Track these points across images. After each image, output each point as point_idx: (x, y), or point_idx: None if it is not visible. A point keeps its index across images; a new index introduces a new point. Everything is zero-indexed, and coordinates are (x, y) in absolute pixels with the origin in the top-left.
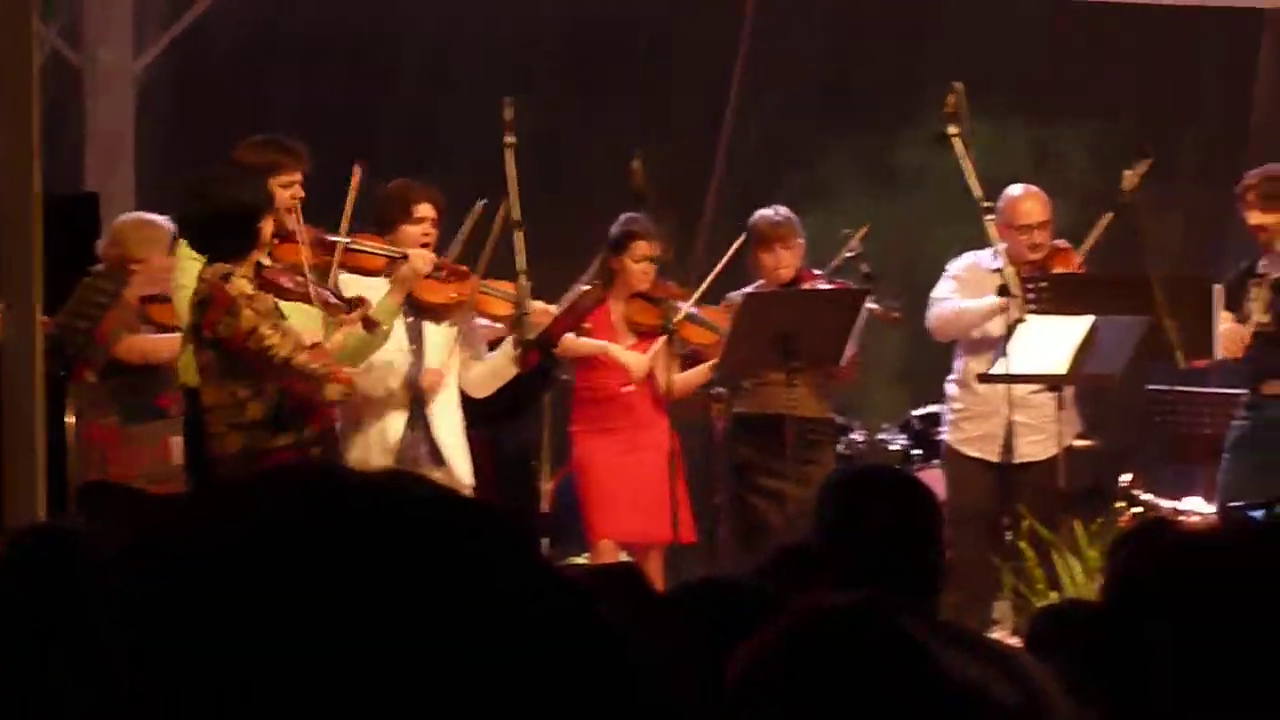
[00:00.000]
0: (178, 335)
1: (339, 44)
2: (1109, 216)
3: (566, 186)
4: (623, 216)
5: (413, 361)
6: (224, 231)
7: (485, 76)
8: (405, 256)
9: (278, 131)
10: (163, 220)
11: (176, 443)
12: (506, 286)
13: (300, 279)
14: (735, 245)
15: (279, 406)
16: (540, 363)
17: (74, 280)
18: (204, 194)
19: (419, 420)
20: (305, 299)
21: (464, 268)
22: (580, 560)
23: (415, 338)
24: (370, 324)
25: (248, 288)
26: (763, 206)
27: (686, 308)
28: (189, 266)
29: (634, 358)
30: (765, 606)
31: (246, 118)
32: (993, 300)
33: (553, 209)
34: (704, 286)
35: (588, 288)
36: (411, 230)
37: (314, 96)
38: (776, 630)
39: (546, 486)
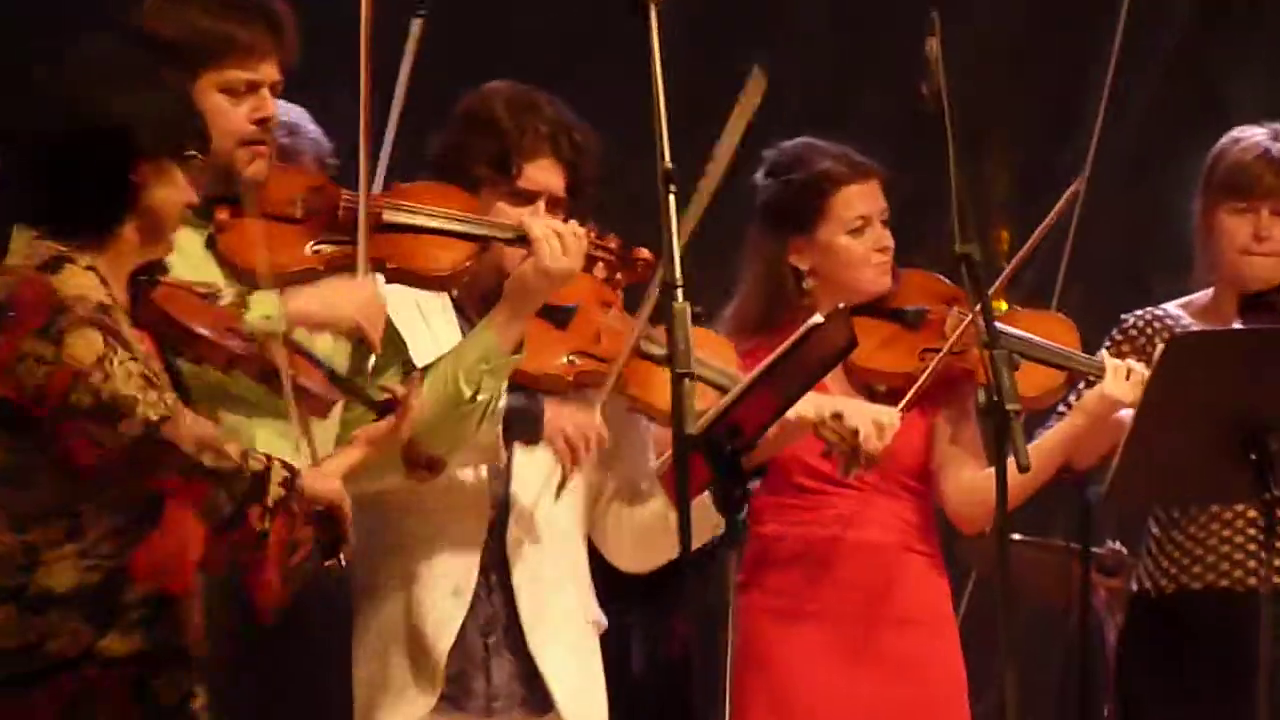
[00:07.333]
0: None
1: None
2: None
3: None
4: None
5: (490, 489)
6: None
7: None
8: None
9: None
10: None
11: None
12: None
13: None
14: (1058, 207)
15: None
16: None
17: None
18: None
19: (499, 604)
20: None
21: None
22: None
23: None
24: (429, 462)
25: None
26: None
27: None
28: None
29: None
30: None
31: None
32: None
33: None
34: (1001, 281)
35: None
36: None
37: None
38: None
39: None
